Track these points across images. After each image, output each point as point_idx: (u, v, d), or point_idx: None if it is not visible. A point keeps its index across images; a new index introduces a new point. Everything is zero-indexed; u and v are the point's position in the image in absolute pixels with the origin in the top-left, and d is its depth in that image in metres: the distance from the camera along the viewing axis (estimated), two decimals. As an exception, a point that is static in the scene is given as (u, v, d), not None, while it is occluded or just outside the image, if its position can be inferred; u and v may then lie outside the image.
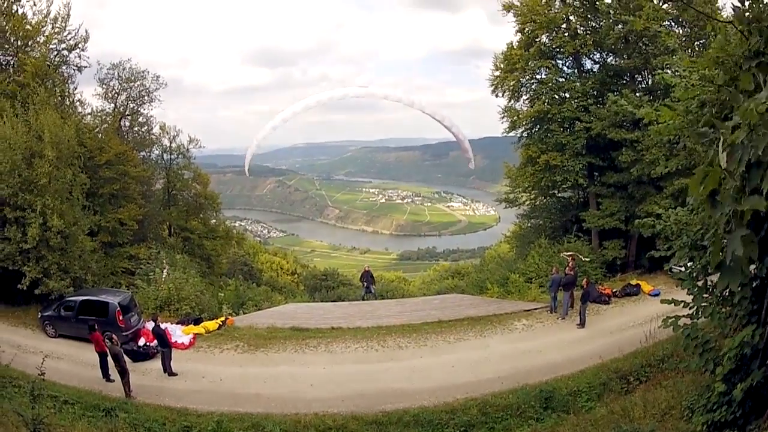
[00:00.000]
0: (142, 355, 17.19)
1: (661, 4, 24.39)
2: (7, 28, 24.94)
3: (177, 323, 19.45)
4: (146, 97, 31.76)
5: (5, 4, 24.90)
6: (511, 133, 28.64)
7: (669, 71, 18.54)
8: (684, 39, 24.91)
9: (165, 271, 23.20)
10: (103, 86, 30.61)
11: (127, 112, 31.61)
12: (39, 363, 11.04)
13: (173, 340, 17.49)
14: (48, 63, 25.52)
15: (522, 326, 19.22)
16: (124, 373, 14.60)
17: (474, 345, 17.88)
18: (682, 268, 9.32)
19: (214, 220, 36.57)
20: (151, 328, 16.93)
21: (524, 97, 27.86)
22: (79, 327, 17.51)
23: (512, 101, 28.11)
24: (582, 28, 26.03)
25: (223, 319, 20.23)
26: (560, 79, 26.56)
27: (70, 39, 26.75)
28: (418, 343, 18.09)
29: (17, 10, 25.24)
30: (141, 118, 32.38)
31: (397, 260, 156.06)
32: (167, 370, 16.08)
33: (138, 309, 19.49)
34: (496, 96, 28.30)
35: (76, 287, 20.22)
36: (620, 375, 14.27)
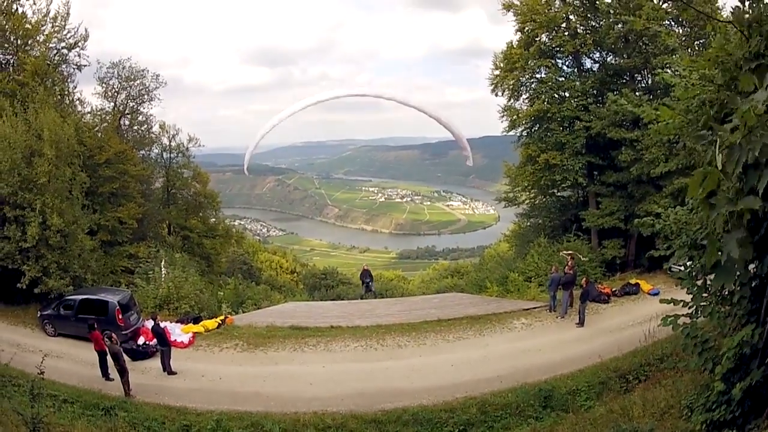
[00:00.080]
0: (142, 354, 17.19)
1: (660, 3, 24.40)
2: (6, 27, 24.91)
3: (176, 322, 19.46)
4: (146, 96, 31.84)
5: (5, 3, 24.85)
6: (511, 132, 28.71)
7: (669, 71, 18.55)
8: (684, 38, 24.95)
9: (164, 271, 23.19)
10: (103, 85, 30.66)
11: (126, 111, 31.62)
12: (38, 362, 11.04)
13: (172, 338, 17.49)
14: (47, 62, 25.47)
15: (521, 325, 19.24)
16: (123, 371, 14.60)
17: (473, 344, 17.89)
18: (682, 268, 9.32)
19: (213, 219, 36.59)
20: (150, 327, 16.91)
21: (524, 96, 27.94)
22: (78, 326, 17.52)
23: (512, 100, 28.21)
24: (582, 28, 26.05)
25: (222, 317, 20.25)
26: (560, 79, 26.59)
27: (69, 38, 26.75)
28: (417, 342, 18.11)
29: (17, 9, 25.20)
30: (141, 116, 32.48)
31: (396, 259, 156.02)
32: (166, 368, 16.08)
33: (137, 308, 19.50)
34: (496, 95, 28.41)
35: (75, 286, 20.22)
36: (619, 374, 14.27)
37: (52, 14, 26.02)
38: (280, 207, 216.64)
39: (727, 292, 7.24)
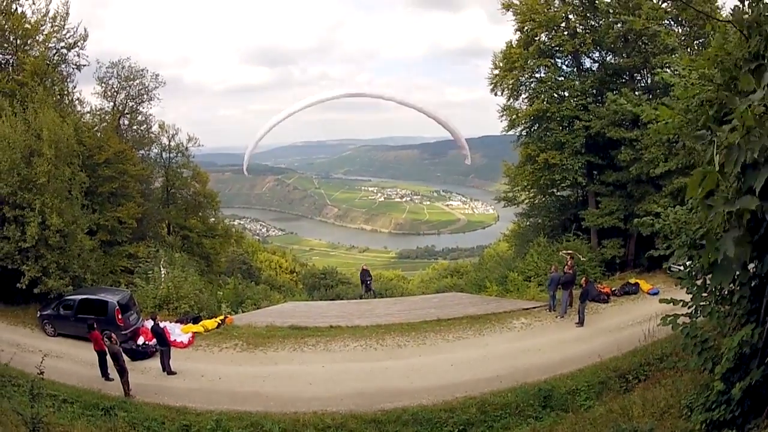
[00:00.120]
0: (141, 354, 17.18)
1: (660, 3, 24.45)
2: (6, 26, 24.90)
3: (176, 322, 19.47)
4: (145, 96, 31.87)
5: (4, 3, 24.84)
6: (510, 132, 28.73)
7: (668, 70, 18.57)
8: (683, 38, 24.97)
9: (164, 270, 23.19)
10: (102, 85, 30.68)
11: (126, 111, 31.62)
12: (38, 362, 11.04)
13: (172, 338, 17.49)
14: (47, 62, 25.46)
15: (521, 325, 19.24)
16: (123, 371, 14.59)
17: (473, 343, 17.89)
18: (681, 267, 9.33)
19: (212, 219, 36.63)
20: (150, 327, 16.90)
21: (523, 96, 27.96)
22: (78, 326, 17.52)
23: (511, 100, 28.24)
24: (581, 27, 26.08)
25: (222, 317, 20.25)
26: (559, 78, 26.62)
27: (69, 37, 26.76)
28: (416, 342, 18.11)
29: (16, 8, 25.19)
30: (140, 116, 32.51)
31: (395, 259, 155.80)
32: (166, 368, 16.08)
33: (137, 308, 19.49)
34: (496, 95, 28.44)
35: (75, 286, 20.21)
36: (619, 374, 14.28)
37: (51, 14, 26.09)
38: (279, 207, 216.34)
39: (726, 292, 7.23)
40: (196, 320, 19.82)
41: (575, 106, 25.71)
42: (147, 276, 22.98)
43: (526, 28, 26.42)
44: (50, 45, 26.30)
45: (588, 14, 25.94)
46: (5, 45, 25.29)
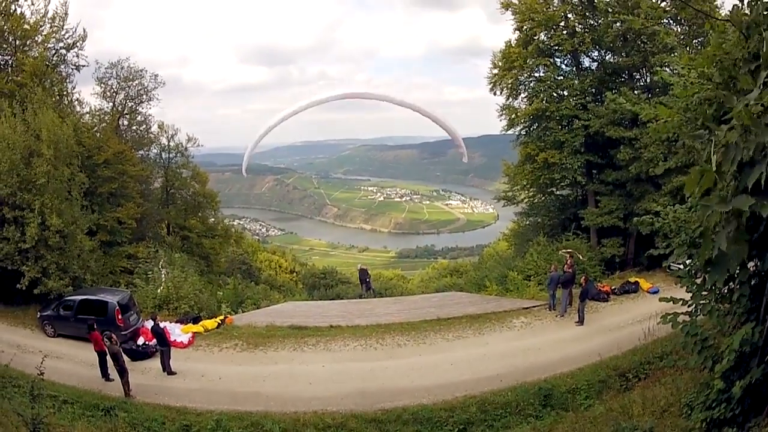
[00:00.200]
0: (141, 354, 17.18)
1: (659, 2, 24.42)
2: (5, 27, 24.87)
3: (176, 322, 19.47)
4: (144, 96, 31.82)
5: (3, 4, 24.79)
6: (510, 131, 28.76)
7: (667, 69, 18.59)
8: (682, 37, 24.97)
9: (164, 271, 23.18)
10: (102, 85, 30.63)
11: (125, 111, 31.59)
12: (38, 363, 11.08)
13: (172, 338, 17.49)
14: (46, 62, 25.45)
15: (521, 324, 19.25)
16: (123, 372, 14.60)
17: (473, 343, 17.90)
18: (681, 266, 9.32)
19: (212, 219, 36.58)
20: (150, 327, 16.90)
21: (522, 95, 28.00)
22: (78, 326, 17.50)
23: (510, 99, 28.27)
24: (580, 26, 26.09)
25: (222, 317, 20.25)
26: (558, 77, 26.63)
27: (68, 38, 26.73)
28: (416, 341, 18.12)
29: (15, 9, 25.16)
30: (139, 116, 32.42)
31: (395, 258, 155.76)
32: (166, 369, 16.08)
33: (137, 308, 19.49)
34: (495, 94, 28.46)
35: (75, 287, 20.21)
36: (619, 372, 14.31)
37: (50, 15, 26.03)
38: (279, 207, 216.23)
39: (726, 290, 7.23)
40: (196, 320, 19.82)
41: (574, 105, 25.71)
42: (147, 276, 23.00)
43: (525, 27, 26.44)
44: (49, 45, 26.27)
45: (587, 13, 25.97)
46: (4, 46, 25.25)
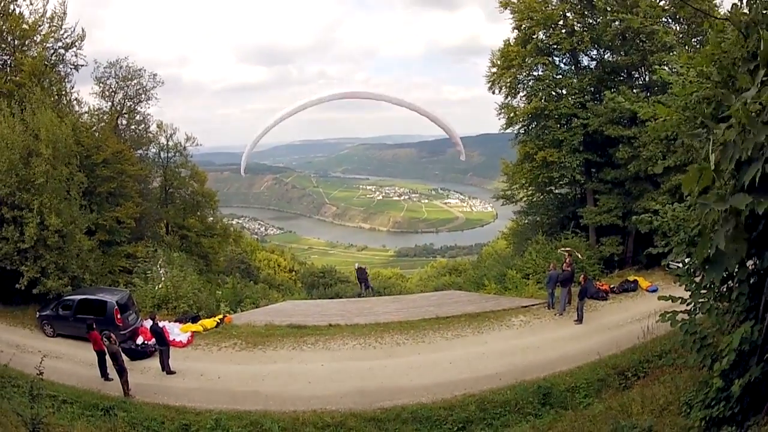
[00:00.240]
0: (140, 354, 17.18)
1: (658, 0, 24.41)
2: (3, 27, 24.84)
3: (175, 321, 19.46)
4: (143, 96, 31.85)
5: (2, 4, 24.76)
6: (508, 130, 28.71)
7: (666, 68, 18.58)
8: (681, 36, 24.95)
9: (162, 270, 23.17)
10: (100, 85, 30.65)
11: (124, 111, 31.58)
12: (37, 362, 11.05)
13: (171, 338, 17.48)
14: (45, 62, 25.43)
15: (519, 322, 19.25)
16: (122, 371, 14.59)
17: (472, 341, 17.90)
18: (680, 264, 9.33)
19: (211, 218, 36.61)
20: (149, 327, 16.90)
21: (521, 94, 27.95)
22: (77, 326, 17.48)
23: (509, 98, 28.20)
24: (579, 25, 26.07)
25: (220, 316, 20.23)
26: (557, 76, 26.61)
27: (66, 37, 26.77)
28: (415, 340, 18.12)
29: (14, 9, 25.12)
30: (138, 116, 32.44)
31: (394, 257, 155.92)
32: (165, 368, 16.07)
33: (136, 307, 19.47)
34: (494, 93, 28.40)
35: (74, 286, 20.20)
36: (618, 371, 14.32)
37: (49, 14, 26.04)
38: (277, 206, 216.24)
39: (725, 289, 7.24)
40: (195, 319, 19.81)
41: (573, 103, 25.68)
42: (146, 276, 22.98)
43: (523, 26, 26.42)
44: (48, 45, 26.26)
45: (586, 12, 25.95)
46: (3, 46, 25.23)
